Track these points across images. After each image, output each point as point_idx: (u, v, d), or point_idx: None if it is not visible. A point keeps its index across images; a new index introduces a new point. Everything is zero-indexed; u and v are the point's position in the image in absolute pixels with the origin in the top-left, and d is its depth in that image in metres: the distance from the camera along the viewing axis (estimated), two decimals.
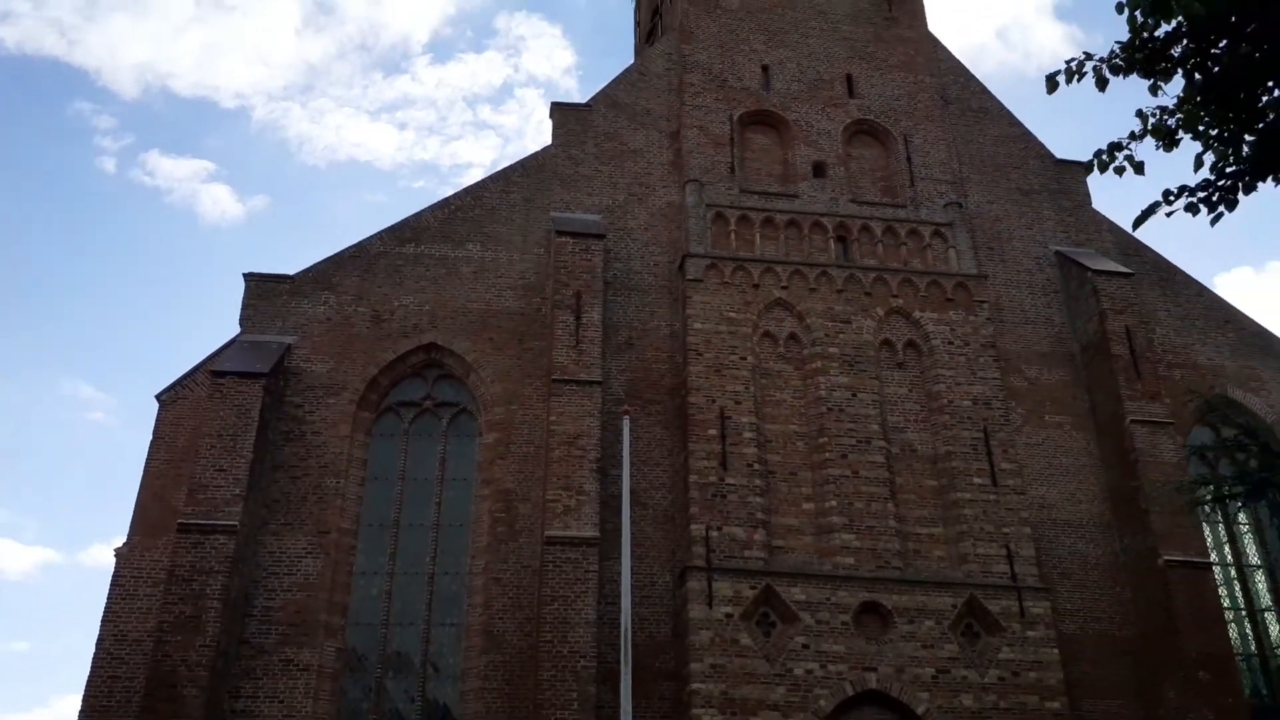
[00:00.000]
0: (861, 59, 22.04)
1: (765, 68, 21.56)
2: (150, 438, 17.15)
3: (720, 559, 16.17)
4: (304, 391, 17.53)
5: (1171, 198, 6.55)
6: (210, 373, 16.76)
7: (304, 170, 75.35)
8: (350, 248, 19.07)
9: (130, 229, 69.89)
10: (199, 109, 73.25)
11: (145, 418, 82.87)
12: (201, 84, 70.34)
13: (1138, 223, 6.71)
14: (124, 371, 68.81)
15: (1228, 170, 6.35)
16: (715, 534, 16.34)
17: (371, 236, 19.26)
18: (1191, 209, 6.51)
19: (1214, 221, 6.54)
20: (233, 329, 18.03)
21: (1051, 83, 6.54)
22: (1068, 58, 6.49)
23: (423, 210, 19.75)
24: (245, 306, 18.18)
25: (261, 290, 18.32)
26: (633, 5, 31.47)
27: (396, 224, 19.46)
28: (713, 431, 17.21)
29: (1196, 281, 21.37)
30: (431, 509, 17.51)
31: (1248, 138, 6.23)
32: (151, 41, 68.68)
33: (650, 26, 26.91)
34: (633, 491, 15.62)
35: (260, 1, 71.88)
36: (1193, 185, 6.49)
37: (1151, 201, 6.65)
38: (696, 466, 16.92)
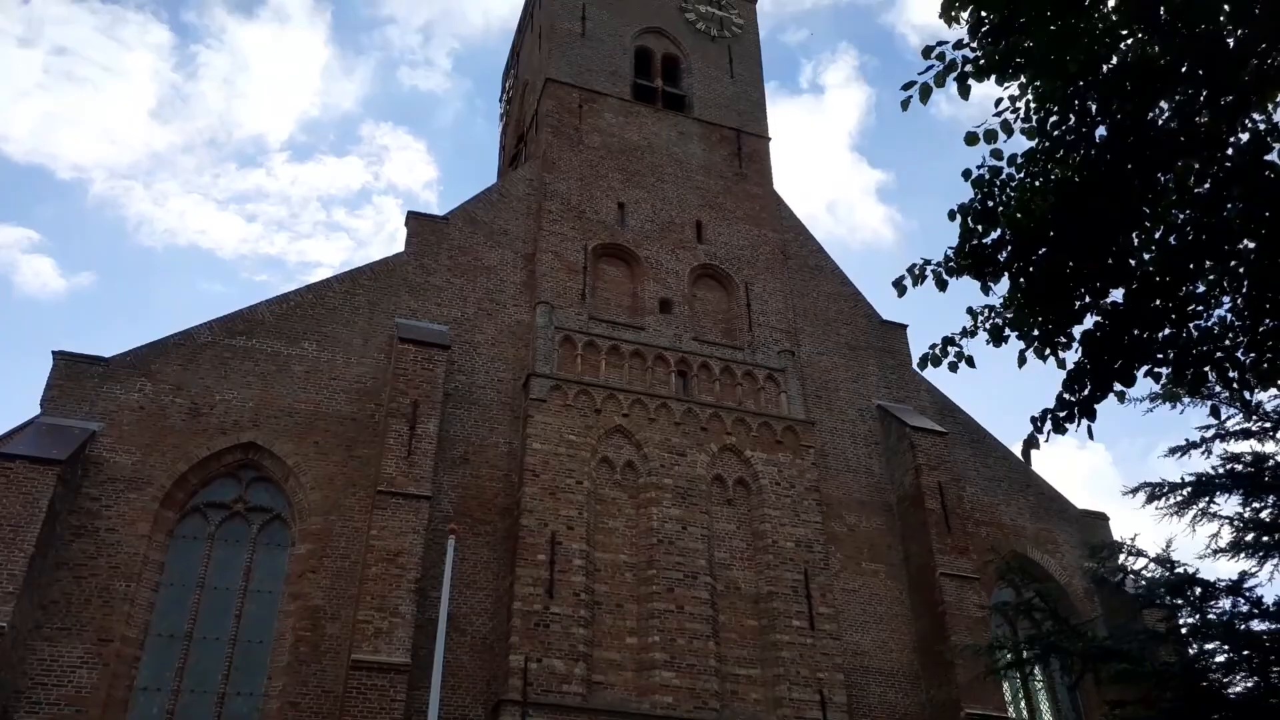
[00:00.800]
0: (711, 208, 23.18)
1: (621, 205, 22.32)
2: None
3: (537, 692, 15.57)
4: (104, 484, 16.08)
5: (1039, 423, 6.97)
6: None
7: (139, 251, 71.65)
8: (176, 335, 18.00)
9: None
10: (30, 176, 69.12)
11: None
12: (38, 151, 66.64)
13: (1025, 453, 6.99)
14: None
15: (1076, 388, 6.82)
16: (535, 665, 15.78)
17: (200, 325, 18.27)
18: (1058, 428, 6.91)
19: (1091, 435, 6.95)
20: (34, 410, 16.52)
21: (899, 287, 7.11)
22: (909, 263, 7.08)
23: (259, 303, 18.96)
24: (50, 386, 16.67)
25: (71, 371, 16.91)
26: (499, 129, 32.20)
27: (229, 315, 18.57)
28: (542, 556, 16.85)
29: (1003, 445, 23.03)
30: (230, 622, 16.16)
31: (1070, 355, 6.78)
32: None
33: (515, 152, 27.52)
34: (451, 616, 15.00)
35: (113, 79, 69.33)
36: (1051, 409, 6.91)
37: (1030, 432, 6.97)
38: (522, 593, 16.44)
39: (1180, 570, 11.90)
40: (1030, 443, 6.87)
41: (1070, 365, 6.78)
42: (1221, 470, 11.95)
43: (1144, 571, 13.00)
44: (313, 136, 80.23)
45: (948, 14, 6.30)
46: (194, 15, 75.13)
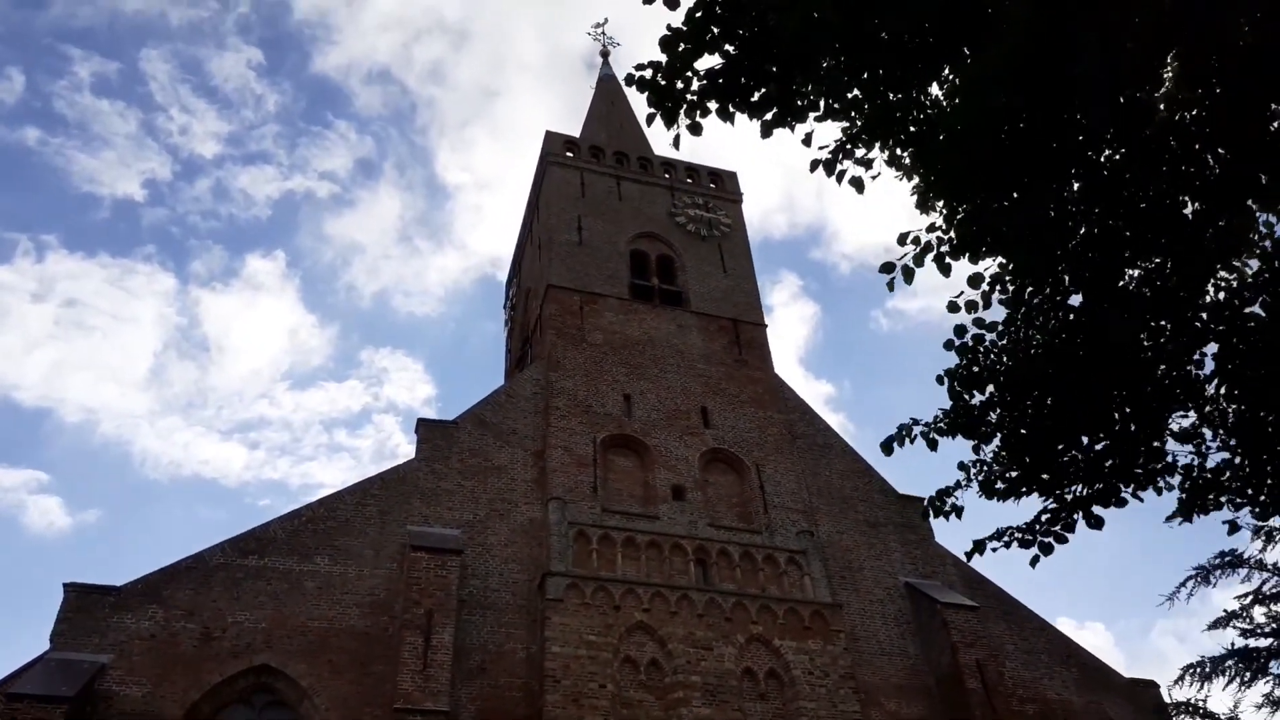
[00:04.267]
0: (716, 394, 23.51)
1: (627, 396, 22.66)
2: None
3: None
4: (114, 718, 15.49)
5: (1001, 536, 7.15)
6: (5, 695, 14.67)
7: (144, 484, 72.53)
8: (187, 559, 17.83)
9: None
10: (39, 420, 70.91)
11: None
12: (47, 397, 68.71)
13: (969, 555, 7.23)
14: None
15: (1043, 519, 6.98)
16: None
17: (212, 547, 18.13)
18: (1008, 545, 7.10)
19: (1033, 562, 7.06)
20: (44, 646, 16.13)
21: (887, 447, 7.29)
22: (899, 422, 7.26)
23: (271, 521, 18.89)
24: (60, 620, 16.34)
25: (82, 602, 16.63)
26: (504, 335, 33.16)
27: (241, 535, 18.45)
28: None
29: (1038, 616, 22.21)
30: None
31: (1048, 500, 6.97)
32: (1, 356, 67.65)
33: (520, 354, 28.23)
34: None
35: (121, 325, 72.41)
36: (1015, 527, 7.17)
37: (983, 537, 7.27)
38: None
39: None
40: (978, 551, 7.15)
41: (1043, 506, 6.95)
42: (1269, 631, 11.62)
43: None
44: (316, 365, 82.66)
45: (924, 203, 6.69)
46: (200, 265, 79.18)
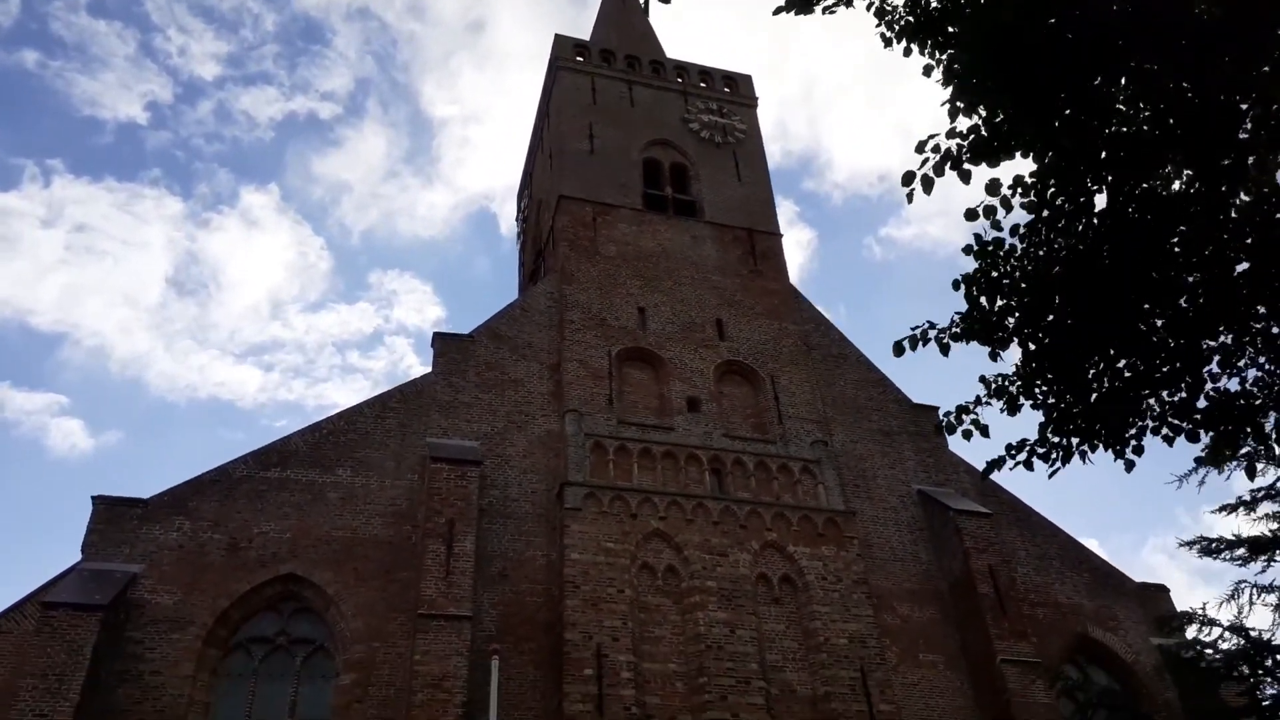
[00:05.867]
0: (730, 306, 23.40)
1: (641, 309, 22.58)
2: None
3: None
4: (146, 626, 15.95)
5: (1014, 451, 7.02)
6: (41, 604, 15.11)
7: (162, 406, 73.45)
8: (211, 471, 18.13)
9: None
10: (56, 344, 71.53)
11: None
12: (62, 321, 69.08)
13: (985, 473, 7.14)
14: None
15: (1063, 430, 6.83)
16: None
17: (235, 460, 18.42)
18: (1027, 465, 6.97)
19: (1051, 474, 6.97)
20: (75, 558, 16.54)
21: (898, 348, 7.13)
22: (913, 324, 7.08)
23: (292, 434, 19.13)
24: (90, 532, 16.73)
25: (111, 515, 16.99)
26: (517, 247, 32.95)
27: (263, 448, 18.72)
28: (589, 671, 16.44)
29: (1050, 522, 22.46)
30: None
31: (1076, 411, 6.79)
32: (13, 281, 67.86)
33: (534, 267, 28.08)
34: None
35: (131, 249, 72.32)
36: (1031, 441, 6.97)
37: (997, 455, 7.15)
38: (571, 710, 15.98)
39: (1255, 635, 11.44)
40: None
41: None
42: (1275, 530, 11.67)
43: (1218, 642, 12.49)
44: (326, 287, 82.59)
45: (954, 110, 6.46)
46: (206, 188, 78.50)
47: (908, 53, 6.61)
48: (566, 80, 27.27)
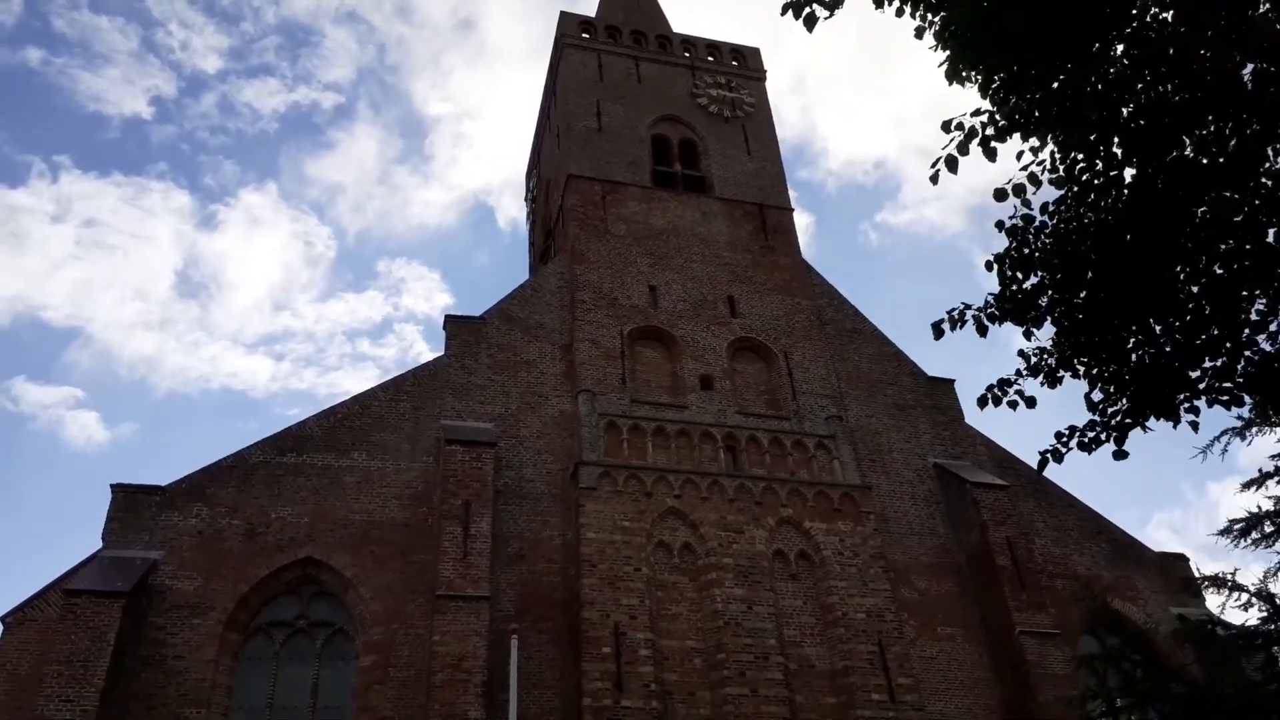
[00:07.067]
0: (742, 282, 23.27)
1: (652, 288, 22.48)
2: None
3: None
4: (168, 611, 16.09)
5: (1064, 438, 6.88)
6: (64, 591, 15.26)
7: (176, 398, 73.99)
8: (228, 457, 18.21)
9: None
10: (69, 338, 72.08)
11: None
12: (75, 315, 69.52)
13: (1041, 465, 6.99)
14: None
15: (1110, 410, 6.71)
16: None
17: (251, 446, 18.49)
18: (1084, 448, 6.82)
19: (1117, 456, 6.82)
20: (96, 546, 16.68)
21: (937, 330, 7.03)
22: (949, 307, 6.98)
23: (306, 419, 19.18)
24: (110, 520, 16.85)
25: (130, 502, 17.10)
26: (527, 228, 32.86)
27: (278, 433, 18.78)
28: (607, 649, 16.50)
29: (1068, 493, 22.34)
30: None
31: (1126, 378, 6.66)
32: (25, 277, 68.27)
33: (544, 247, 27.98)
34: (521, 719, 14.67)
35: (140, 243, 72.54)
36: (1081, 426, 6.85)
37: (1050, 446, 6.98)
38: (590, 689, 16.06)
39: None
40: (1052, 458, 6.83)
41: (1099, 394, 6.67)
42: None
43: (1243, 609, 12.38)
44: (334, 276, 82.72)
45: (954, 75, 6.36)
46: (212, 180, 78.59)
47: (899, 13, 6.51)
48: (573, 58, 27.06)
